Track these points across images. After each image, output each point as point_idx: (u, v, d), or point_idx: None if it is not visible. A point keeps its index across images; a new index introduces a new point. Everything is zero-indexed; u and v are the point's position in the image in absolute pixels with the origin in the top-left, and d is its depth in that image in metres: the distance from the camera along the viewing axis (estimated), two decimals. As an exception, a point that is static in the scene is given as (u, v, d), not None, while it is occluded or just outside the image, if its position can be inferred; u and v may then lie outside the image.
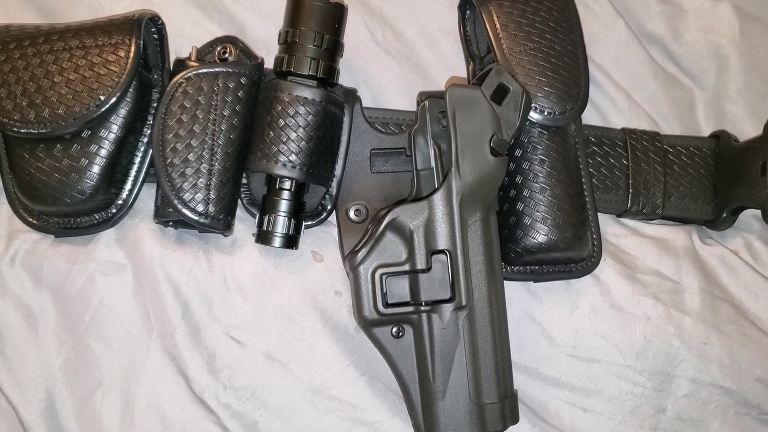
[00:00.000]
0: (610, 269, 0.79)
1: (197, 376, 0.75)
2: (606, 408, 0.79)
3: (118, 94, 0.68)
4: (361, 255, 0.68)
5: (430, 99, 0.72)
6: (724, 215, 0.82)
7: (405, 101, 0.82)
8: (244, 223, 0.76)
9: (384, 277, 0.68)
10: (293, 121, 0.70)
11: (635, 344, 0.79)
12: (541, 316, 0.78)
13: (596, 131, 0.82)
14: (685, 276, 0.81)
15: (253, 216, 0.75)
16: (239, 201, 0.75)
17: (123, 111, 0.70)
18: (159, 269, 0.74)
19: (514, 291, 0.78)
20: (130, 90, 0.69)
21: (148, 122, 0.74)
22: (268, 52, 0.77)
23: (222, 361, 0.75)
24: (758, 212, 0.79)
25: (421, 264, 0.67)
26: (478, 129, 0.68)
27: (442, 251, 0.67)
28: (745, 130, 0.86)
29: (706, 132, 0.87)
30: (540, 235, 0.72)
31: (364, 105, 0.78)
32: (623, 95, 0.86)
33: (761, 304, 0.81)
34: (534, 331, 0.78)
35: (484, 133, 0.68)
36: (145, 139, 0.74)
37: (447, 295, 0.67)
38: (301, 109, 0.71)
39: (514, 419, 0.70)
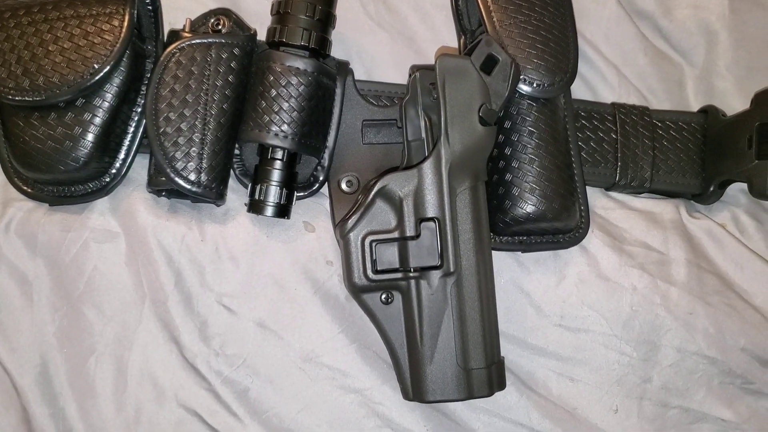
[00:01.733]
0: (597, 240, 0.80)
1: (189, 343, 0.76)
2: (593, 377, 0.80)
3: (112, 63, 0.69)
4: (351, 222, 0.69)
5: (421, 71, 0.73)
6: (712, 189, 0.83)
7: (397, 75, 0.83)
8: (237, 193, 0.77)
9: (373, 244, 0.69)
10: (285, 91, 0.71)
11: (622, 314, 0.80)
12: (529, 286, 0.79)
13: (586, 105, 0.83)
14: (672, 248, 0.82)
15: (245, 186, 0.75)
16: (232, 171, 0.76)
17: (117, 80, 0.70)
18: (152, 237, 0.75)
19: (503, 261, 0.79)
20: (124, 59, 0.70)
21: (142, 92, 0.75)
22: (261, 25, 0.78)
23: (214, 328, 0.76)
24: (745, 186, 0.80)
25: (410, 231, 0.68)
26: (468, 98, 0.68)
27: (430, 219, 0.68)
28: (734, 106, 0.87)
29: (695, 107, 0.88)
30: (528, 205, 0.73)
31: (356, 78, 0.79)
32: (613, 70, 0.87)
33: (747, 276, 0.82)
34: (522, 301, 0.79)
35: (473, 102, 0.69)
36: (139, 109, 0.75)
37: (435, 262, 0.68)
38: (293, 80, 0.71)
39: (501, 385, 0.72)
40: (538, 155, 0.74)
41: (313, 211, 0.78)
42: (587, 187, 0.80)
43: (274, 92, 0.71)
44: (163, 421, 0.75)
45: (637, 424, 0.80)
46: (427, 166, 0.68)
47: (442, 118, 0.68)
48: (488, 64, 0.70)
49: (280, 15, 0.73)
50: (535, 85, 0.74)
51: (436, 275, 0.68)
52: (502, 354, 0.76)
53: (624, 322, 0.80)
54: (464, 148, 0.68)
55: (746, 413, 0.81)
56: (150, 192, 0.75)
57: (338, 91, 0.76)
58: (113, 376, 0.75)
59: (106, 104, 0.70)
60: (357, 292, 0.70)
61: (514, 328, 0.79)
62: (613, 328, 0.80)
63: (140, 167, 0.76)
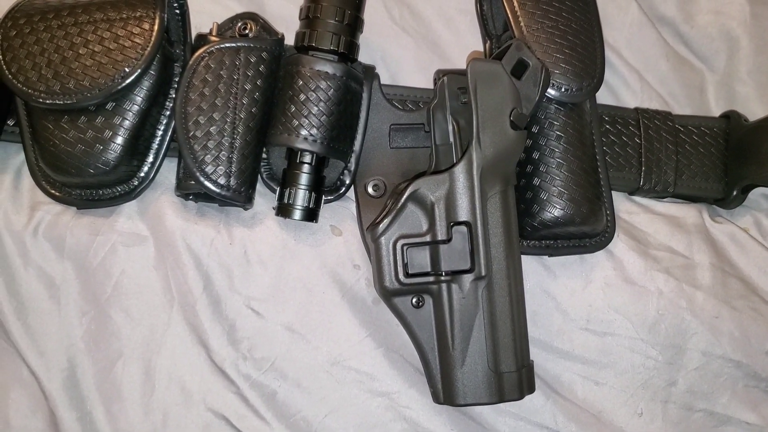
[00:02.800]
0: (623, 245, 0.80)
1: (217, 346, 0.76)
2: (618, 381, 0.80)
3: (142, 67, 0.69)
4: (382, 226, 0.69)
5: (449, 75, 0.73)
6: (735, 193, 0.83)
7: (422, 79, 0.83)
8: (264, 197, 0.77)
9: (405, 247, 0.69)
10: (314, 95, 0.71)
11: (648, 318, 0.80)
12: (556, 290, 0.80)
13: (609, 110, 0.84)
14: (696, 252, 0.82)
15: (273, 190, 0.76)
16: (259, 175, 0.76)
17: (147, 83, 0.71)
18: (180, 241, 0.75)
19: (529, 265, 0.79)
20: (154, 63, 0.70)
21: (170, 96, 0.75)
22: (287, 29, 0.78)
23: (242, 332, 0.76)
24: (767, 191, 0.81)
25: (441, 235, 0.68)
26: (499, 103, 0.69)
27: (462, 223, 0.68)
28: (755, 111, 0.88)
29: (716, 113, 0.88)
30: (556, 209, 0.74)
31: (382, 82, 0.79)
32: (635, 76, 0.87)
33: (770, 281, 0.83)
34: (548, 305, 0.80)
35: (505, 106, 0.69)
36: (167, 113, 0.75)
37: (467, 266, 0.68)
38: (323, 84, 0.72)
39: (531, 389, 0.72)
40: (565, 159, 0.74)
41: (340, 215, 0.78)
42: (612, 192, 0.80)
43: (303, 96, 0.71)
44: (190, 425, 0.75)
45: (662, 428, 0.80)
46: (459, 170, 0.68)
47: (474, 122, 0.68)
48: (518, 69, 0.70)
49: (309, 19, 0.73)
50: (563, 89, 0.74)
51: (467, 279, 0.68)
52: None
53: (650, 325, 0.80)
54: (496, 152, 0.68)
55: (771, 417, 0.81)
56: (178, 196, 0.75)
57: (365, 95, 0.76)
58: (141, 380, 0.75)
59: (136, 108, 0.70)
60: (388, 295, 0.70)
61: (540, 332, 0.79)
62: (639, 332, 0.80)
63: (167, 171, 0.76)
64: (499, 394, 0.69)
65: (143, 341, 0.75)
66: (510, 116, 0.69)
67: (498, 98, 0.69)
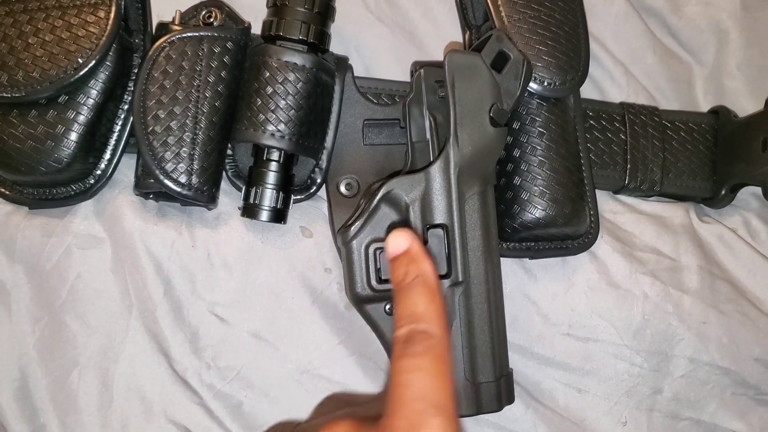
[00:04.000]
0: (607, 246, 0.77)
1: (179, 355, 0.71)
2: (601, 388, 0.77)
3: (97, 57, 0.64)
4: (354, 229, 0.65)
5: (426, 68, 0.69)
6: (723, 192, 0.80)
7: (398, 71, 0.79)
8: (229, 196, 0.73)
9: (378, 252, 0.65)
10: (282, 88, 0.67)
11: (633, 323, 0.77)
12: (536, 294, 0.76)
13: (594, 105, 0.80)
14: (683, 254, 0.79)
15: (239, 189, 0.71)
16: (224, 173, 0.72)
17: (102, 75, 0.66)
18: (139, 243, 0.71)
19: (509, 268, 0.75)
20: (111, 53, 0.66)
21: (129, 89, 0.70)
22: (255, 18, 0.73)
23: (206, 339, 0.72)
24: (757, 190, 0.78)
25: None
26: (478, 98, 0.65)
27: (438, 225, 0.64)
28: (745, 106, 0.84)
29: (704, 108, 0.85)
30: (538, 209, 0.70)
31: (355, 74, 0.75)
32: (621, 69, 0.83)
33: (759, 283, 0.80)
34: (529, 310, 0.76)
35: (484, 102, 0.65)
36: (126, 107, 0.70)
37: (443, 271, 0.64)
38: (291, 76, 0.67)
39: (510, 399, 0.68)
40: (548, 157, 0.71)
41: (311, 216, 0.74)
42: (596, 190, 0.77)
43: (270, 89, 0.67)
44: (150, 438, 0.71)
45: (647, 437, 0.77)
46: (435, 170, 0.64)
47: (452, 119, 0.64)
48: (499, 62, 0.66)
49: (277, 7, 0.68)
50: (545, 83, 0.71)
51: (443, 285, 0.64)
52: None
53: (635, 331, 0.77)
54: (474, 150, 0.64)
55: (758, 425, 0.78)
56: (137, 195, 0.71)
57: (337, 88, 0.72)
58: (98, 390, 0.71)
59: (91, 101, 0.65)
60: (360, 302, 0.66)
61: (520, 337, 0.76)
62: (623, 338, 0.76)
63: (126, 168, 0.72)
64: (477, 406, 0.65)
65: (100, 349, 0.71)
66: (490, 112, 0.65)
67: (477, 93, 0.65)
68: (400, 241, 0.56)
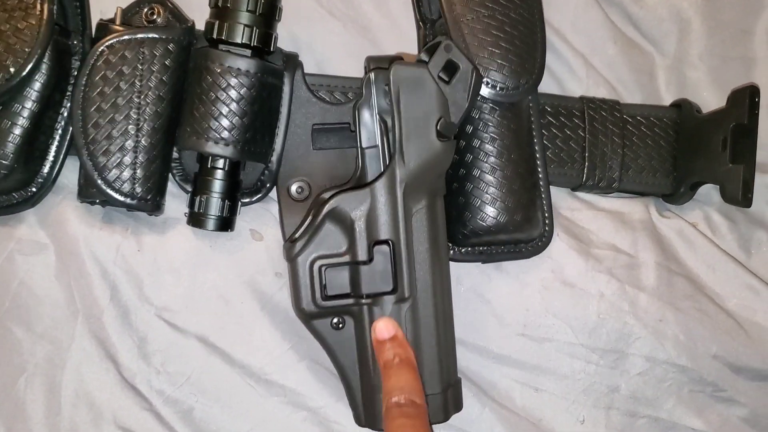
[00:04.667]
0: (563, 244, 0.76)
1: (127, 360, 0.70)
2: (558, 387, 0.76)
3: (29, 66, 0.62)
4: (299, 246, 0.64)
5: (376, 71, 0.66)
6: (683, 189, 0.79)
7: (352, 67, 0.76)
8: (178, 199, 0.71)
9: (323, 268, 0.64)
10: (225, 94, 0.65)
11: (588, 322, 0.76)
12: (491, 295, 0.75)
13: (552, 100, 0.78)
14: (641, 250, 0.78)
15: (187, 192, 0.70)
16: (171, 176, 0.70)
17: (38, 84, 0.64)
18: (84, 248, 0.69)
19: (463, 269, 0.75)
20: (45, 60, 0.63)
21: (68, 93, 0.68)
22: (202, 14, 0.70)
23: (154, 344, 0.71)
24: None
25: (362, 255, 0.63)
26: (424, 111, 0.63)
27: (384, 242, 0.63)
28: (707, 98, 0.82)
29: (666, 99, 0.83)
30: (488, 217, 0.69)
31: (306, 71, 0.73)
32: (581, 61, 0.81)
33: (719, 278, 0.79)
34: (483, 310, 0.75)
35: (431, 115, 0.63)
36: (65, 112, 0.68)
37: (389, 287, 0.63)
38: (234, 81, 0.65)
39: (457, 407, 0.68)
40: (499, 165, 0.69)
41: (261, 218, 0.73)
42: (552, 187, 0.76)
43: (212, 95, 0.65)
44: (100, 445, 0.70)
45: (604, 435, 0.77)
46: (380, 186, 0.63)
47: (397, 134, 0.62)
48: (448, 71, 0.64)
49: (219, 9, 0.66)
50: (498, 88, 0.69)
51: (389, 301, 0.63)
52: (464, 364, 0.73)
53: (590, 330, 0.76)
54: (421, 165, 0.63)
55: (717, 422, 0.78)
56: (81, 202, 0.69)
57: (286, 89, 0.70)
58: (45, 397, 0.70)
59: (27, 111, 0.64)
60: (306, 318, 0.65)
61: (475, 337, 0.75)
62: (578, 337, 0.76)
63: (71, 173, 0.70)
64: (423, 418, 0.65)
65: (47, 356, 0.70)
66: (437, 126, 0.63)
67: (423, 107, 0.63)
68: (390, 327, 0.63)
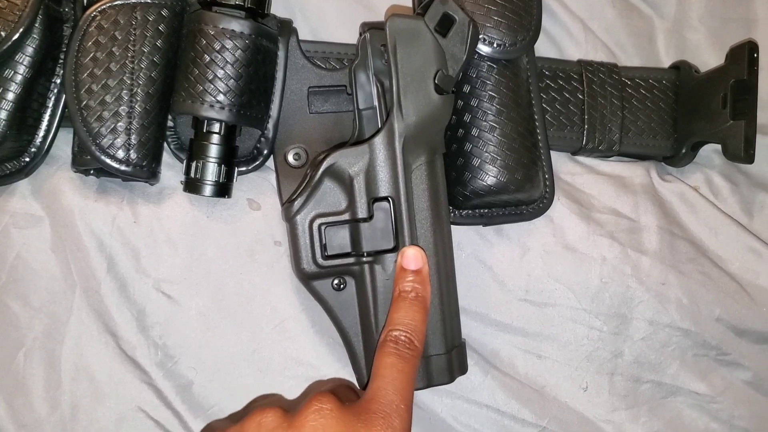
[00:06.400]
0: (564, 209, 0.75)
1: (126, 333, 0.70)
2: (561, 354, 0.76)
3: (20, 30, 0.61)
4: (297, 204, 0.63)
5: (372, 31, 0.66)
6: (684, 151, 0.78)
7: (346, 34, 0.76)
8: (173, 170, 0.71)
9: (323, 227, 0.63)
10: (220, 56, 0.64)
11: (591, 287, 0.75)
12: (492, 260, 0.75)
13: (550, 63, 0.77)
14: (642, 214, 0.77)
15: (182, 161, 0.69)
16: (166, 146, 0.69)
17: (29, 49, 0.63)
18: (80, 220, 0.69)
19: (463, 234, 0.74)
20: (36, 25, 0.63)
21: (61, 61, 0.67)
22: (195, -19, 0.70)
23: (153, 317, 0.70)
24: (719, 147, 0.75)
25: (362, 213, 0.63)
26: (422, 64, 0.62)
27: (384, 198, 0.62)
28: (707, 60, 0.82)
29: (666, 63, 0.82)
30: (489, 176, 0.68)
31: (301, 38, 0.72)
32: (579, 24, 0.80)
33: (721, 242, 0.78)
34: (484, 276, 0.74)
35: (428, 68, 0.62)
36: (58, 80, 0.67)
37: (390, 245, 0.63)
38: (228, 44, 0.64)
39: (462, 369, 0.67)
40: (498, 122, 0.68)
41: (258, 187, 0.72)
42: (552, 151, 0.75)
43: (207, 58, 0.64)
44: (102, 419, 0.69)
45: (609, 401, 0.76)
46: (379, 141, 0.62)
47: (394, 88, 0.61)
48: (444, 25, 0.63)
49: (212, -28, 0.65)
50: (495, 45, 0.68)
51: (391, 259, 0.62)
52: (465, 332, 0.72)
53: (593, 295, 0.75)
54: (419, 119, 0.62)
55: (721, 385, 0.77)
56: (75, 172, 0.69)
57: (281, 54, 0.69)
58: (45, 372, 0.69)
59: (19, 77, 0.63)
60: (306, 279, 0.64)
61: (476, 304, 0.74)
62: (581, 302, 0.75)
63: (64, 144, 0.69)
64: (427, 379, 0.64)
65: (45, 330, 0.69)
66: (435, 79, 0.62)
67: (420, 59, 0.62)
68: (419, 259, 0.62)
